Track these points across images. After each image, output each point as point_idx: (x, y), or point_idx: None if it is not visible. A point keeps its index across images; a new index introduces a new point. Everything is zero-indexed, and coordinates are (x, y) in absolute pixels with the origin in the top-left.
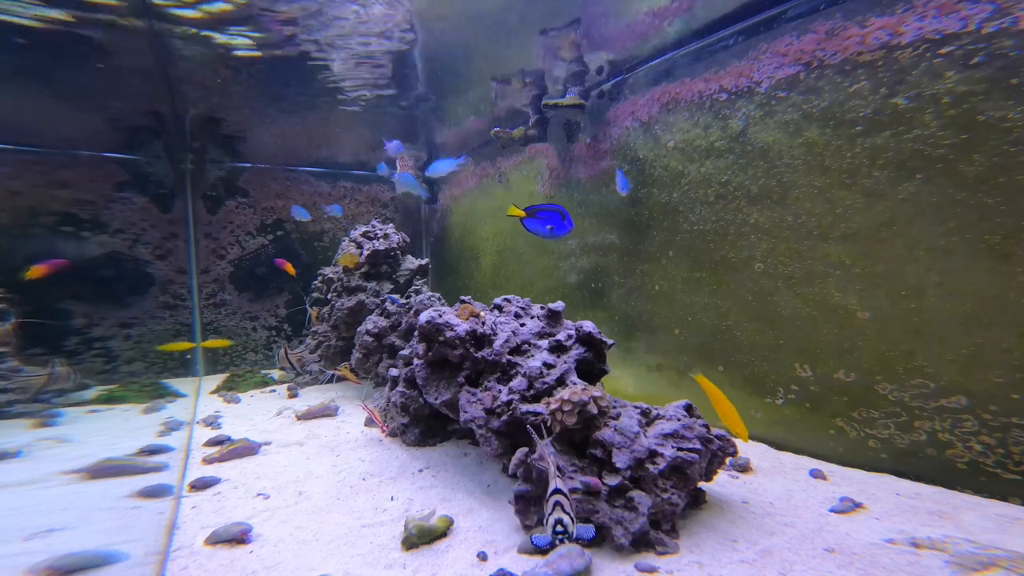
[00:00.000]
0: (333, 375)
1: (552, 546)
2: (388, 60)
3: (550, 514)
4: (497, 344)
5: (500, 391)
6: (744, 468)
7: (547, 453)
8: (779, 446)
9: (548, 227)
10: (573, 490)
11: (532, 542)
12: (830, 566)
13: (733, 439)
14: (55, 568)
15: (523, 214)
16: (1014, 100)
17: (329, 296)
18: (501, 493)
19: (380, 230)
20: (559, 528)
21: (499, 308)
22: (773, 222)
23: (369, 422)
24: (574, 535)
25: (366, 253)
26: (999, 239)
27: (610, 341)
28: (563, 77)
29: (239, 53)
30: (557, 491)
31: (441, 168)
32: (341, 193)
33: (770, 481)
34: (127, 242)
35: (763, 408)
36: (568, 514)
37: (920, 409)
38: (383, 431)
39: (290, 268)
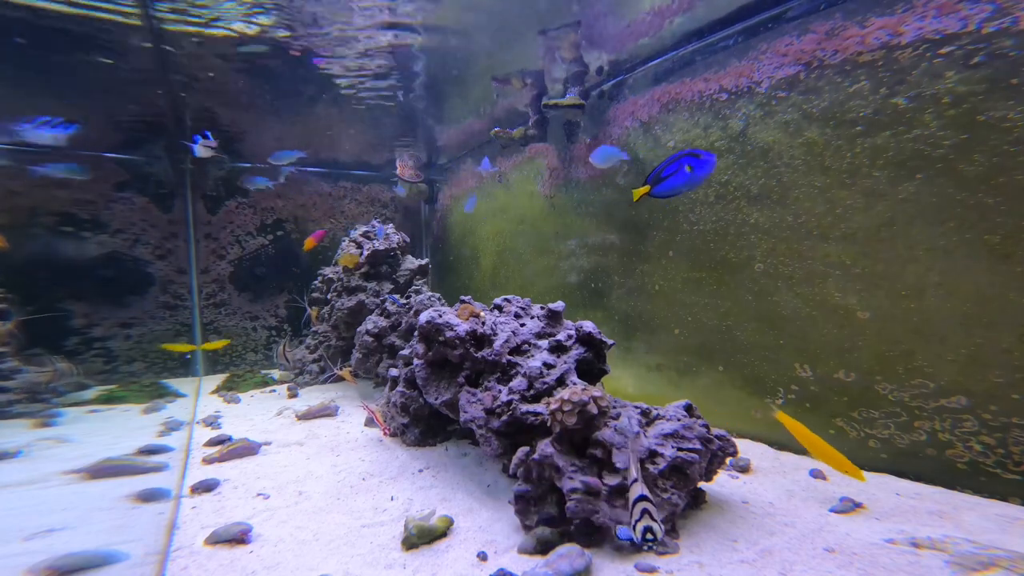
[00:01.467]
0: (332, 375)
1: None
2: (388, 60)
3: (638, 520)
4: (497, 344)
5: (500, 391)
6: (744, 468)
7: (634, 461)
8: (779, 446)
9: (687, 168)
10: (573, 490)
11: (618, 535)
12: (830, 566)
13: (733, 440)
14: (55, 568)
15: (648, 188)
16: (1014, 100)
17: (329, 296)
18: (501, 493)
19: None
20: (649, 536)
21: (499, 308)
22: (773, 222)
23: (369, 422)
24: (661, 540)
25: (366, 253)
26: (999, 239)
27: (610, 341)
28: (563, 77)
29: (239, 53)
30: (643, 498)
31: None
32: (341, 193)
33: (770, 481)
34: (127, 242)
35: (763, 408)
36: (656, 521)
37: (920, 409)
38: (384, 432)
39: (310, 243)
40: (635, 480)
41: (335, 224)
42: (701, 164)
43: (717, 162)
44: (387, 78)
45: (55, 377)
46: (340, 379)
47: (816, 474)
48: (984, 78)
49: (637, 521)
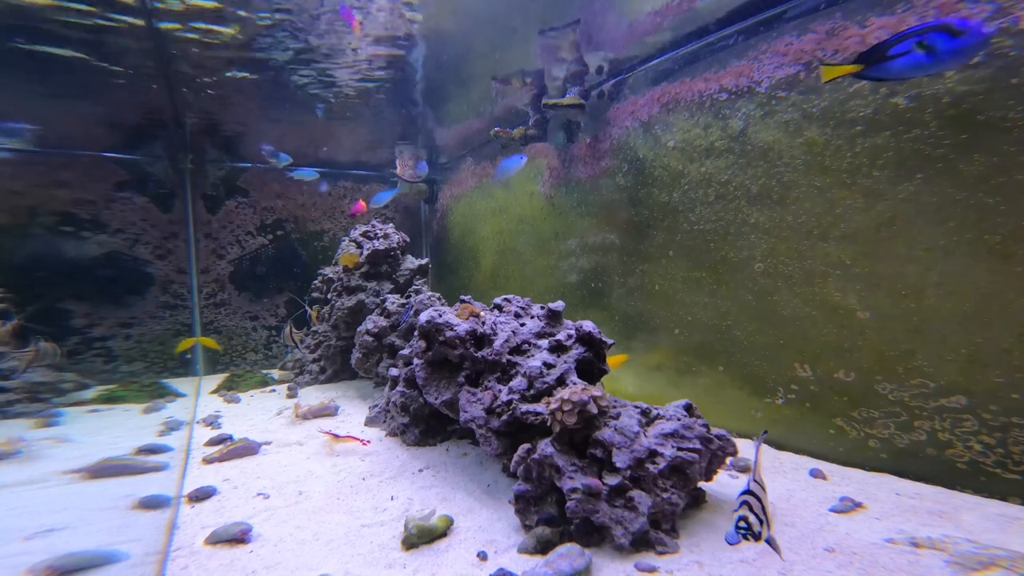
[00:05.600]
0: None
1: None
2: (388, 60)
3: (736, 510)
4: (497, 344)
5: (500, 391)
6: (744, 468)
7: (755, 459)
8: (779, 446)
9: (920, 47)
10: (573, 490)
11: (725, 539)
12: (830, 566)
13: (733, 439)
14: (55, 568)
15: (853, 68)
16: (1014, 100)
17: (329, 296)
18: (501, 493)
19: (380, 230)
20: (743, 526)
21: (499, 308)
22: (773, 222)
23: (370, 422)
24: (759, 535)
25: (366, 253)
26: (999, 239)
27: (610, 341)
28: (563, 77)
29: (239, 53)
30: (747, 491)
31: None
32: (341, 193)
33: (770, 481)
34: (127, 242)
35: (763, 408)
36: (755, 514)
37: (920, 409)
38: (363, 444)
39: (363, 206)
40: (749, 478)
41: (335, 224)
42: (956, 43)
43: (983, 42)
44: (387, 77)
45: (38, 356)
46: (340, 379)
47: (816, 474)
48: (984, 78)
49: (735, 510)
